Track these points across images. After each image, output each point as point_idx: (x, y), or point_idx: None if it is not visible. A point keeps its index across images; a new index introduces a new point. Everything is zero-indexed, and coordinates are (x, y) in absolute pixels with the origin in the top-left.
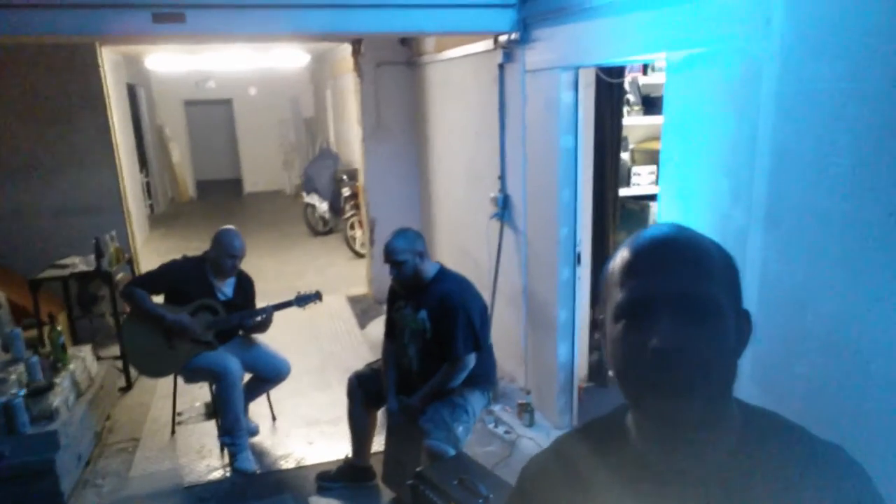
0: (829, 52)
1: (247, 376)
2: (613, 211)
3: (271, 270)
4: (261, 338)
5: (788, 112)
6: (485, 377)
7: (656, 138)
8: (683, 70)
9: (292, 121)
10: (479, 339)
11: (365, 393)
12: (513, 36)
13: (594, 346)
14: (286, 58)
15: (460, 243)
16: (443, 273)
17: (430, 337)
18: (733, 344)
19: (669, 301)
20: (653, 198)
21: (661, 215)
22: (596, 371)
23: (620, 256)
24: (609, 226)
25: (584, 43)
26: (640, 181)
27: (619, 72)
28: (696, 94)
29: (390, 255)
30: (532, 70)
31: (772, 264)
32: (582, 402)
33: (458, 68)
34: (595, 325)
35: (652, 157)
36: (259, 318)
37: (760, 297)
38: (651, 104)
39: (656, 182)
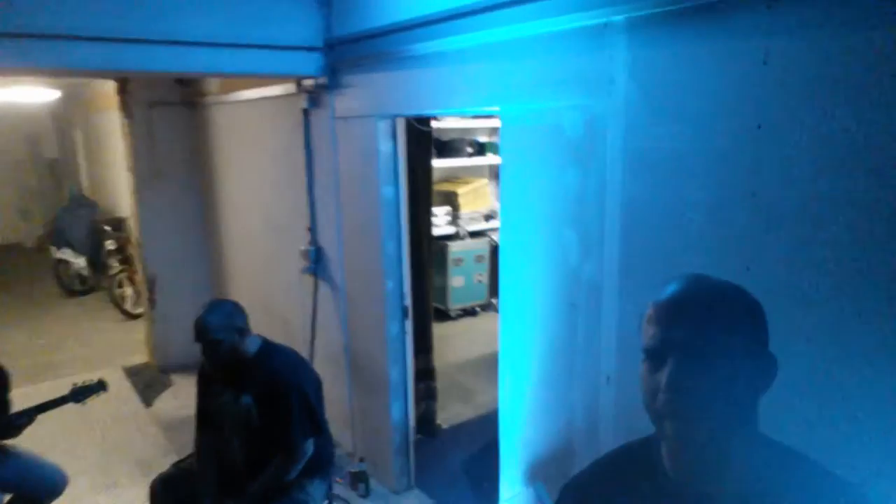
0: (674, 113)
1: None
2: (429, 256)
3: (19, 345)
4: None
5: (637, 168)
6: (325, 461)
7: (447, 180)
8: (520, 123)
9: (31, 163)
10: (317, 422)
11: (175, 501)
12: (320, 81)
13: (420, 397)
14: (28, 93)
15: (264, 301)
16: (267, 348)
17: (257, 425)
18: (741, 386)
19: (678, 349)
20: (449, 238)
21: (503, 268)
22: (423, 422)
23: (652, 306)
24: (427, 271)
25: (406, 92)
26: (438, 222)
27: (428, 117)
28: (536, 147)
29: (204, 334)
30: (344, 117)
31: (630, 316)
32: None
33: (253, 111)
34: (420, 375)
35: (445, 199)
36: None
37: (619, 347)
38: (442, 148)
39: (452, 222)
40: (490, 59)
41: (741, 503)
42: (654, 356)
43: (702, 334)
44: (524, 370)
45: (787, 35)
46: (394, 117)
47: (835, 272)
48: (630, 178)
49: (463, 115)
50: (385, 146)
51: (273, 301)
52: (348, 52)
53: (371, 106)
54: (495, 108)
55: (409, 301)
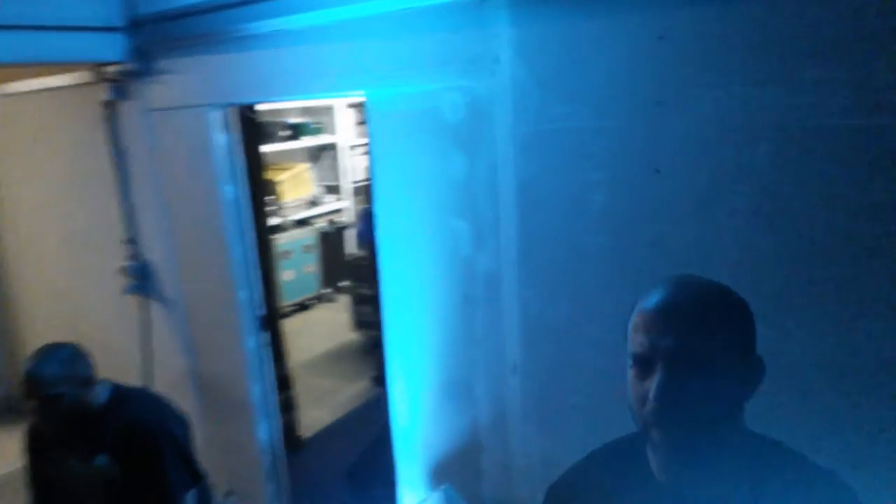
0: (569, 92)
1: None
2: (271, 254)
3: None
4: None
5: (531, 151)
6: None
7: (263, 168)
8: (391, 108)
9: None
10: (194, 469)
11: None
12: (126, 67)
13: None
14: None
15: (73, 330)
16: (119, 393)
17: (120, 490)
18: (729, 391)
19: (665, 359)
20: (274, 229)
21: (383, 265)
22: (285, 437)
23: (638, 312)
24: (270, 269)
25: (246, 77)
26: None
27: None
28: (412, 133)
29: (38, 389)
30: (163, 108)
31: (532, 303)
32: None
33: (31, 106)
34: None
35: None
36: None
37: (523, 335)
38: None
39: (275, 213)
40: (353, 37)
41: (730, 498)
42: (643, 364)
43: (691, 342)
44: (418, 369)
45: (682, 8)
46: (229, 106)
47: (741, 241)
48: (523, 161)
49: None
50: (220, 139)
51: (85, 330)
52: (162, 33)
53: (200, 94)
54: (359, 93)
55: (264, 309)
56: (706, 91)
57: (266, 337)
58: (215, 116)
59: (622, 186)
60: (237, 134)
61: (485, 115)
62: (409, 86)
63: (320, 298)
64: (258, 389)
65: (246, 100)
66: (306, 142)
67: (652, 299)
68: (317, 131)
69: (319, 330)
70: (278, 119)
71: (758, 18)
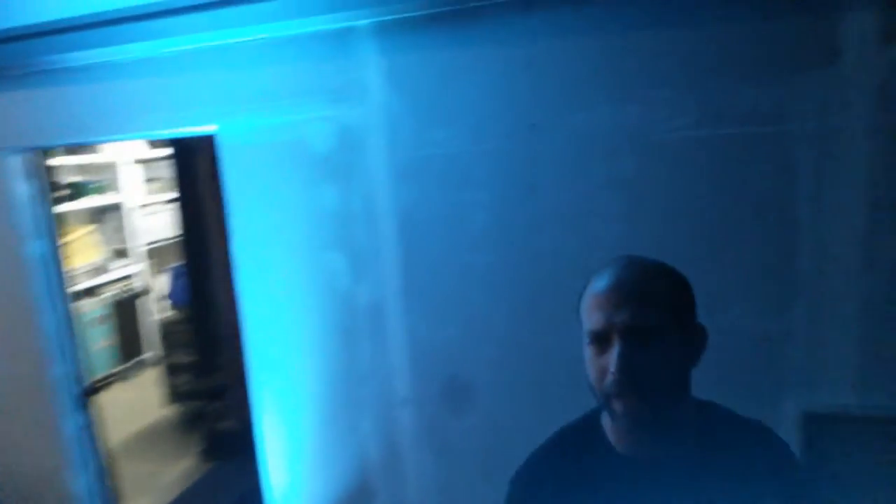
0: (445, 118)
1: None
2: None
3: None
4: None
5: (409, 177)
6: None
7: None
8: (250, 142)
9: None
10: None
11: None
12: None
13: None
14: None
15: None
16: None
17: None
18: (680, 357)
19: (621, 333)
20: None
21: (246, 310)
22: None
23: (589, 291)
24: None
25: (56, 116)
26: None
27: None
28: (275, 167)
29: None
30: None
31: (420, 329)
32: None
33: None
34: None
35: None
36: None
37: (413, 364)
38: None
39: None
40: (201, 68)
41: (683, 464)
42: (600, 340)
43: (643, 314)
44: (295, 418)
45: (549, 38)
46: (34, 150)
47: (617, 247)
48: (402, 187)
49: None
50: (22, 189)
51: None
52: None
53: None
54: (212, 128)
55: (82, 385)
56: (574, 113)
57: (87, 417)
58: (13, 162)
59: (503, 205)
60: (44, 182)
61: (357, 144)
62: (271, 117)
63: (119, 375)
64: (83, 481)
65: (57, 142)
66: (88, 202)
67: (603, 280)
68: (98, 190)
69: (123, 410)
70: (52, 178)
71: (614, 48)
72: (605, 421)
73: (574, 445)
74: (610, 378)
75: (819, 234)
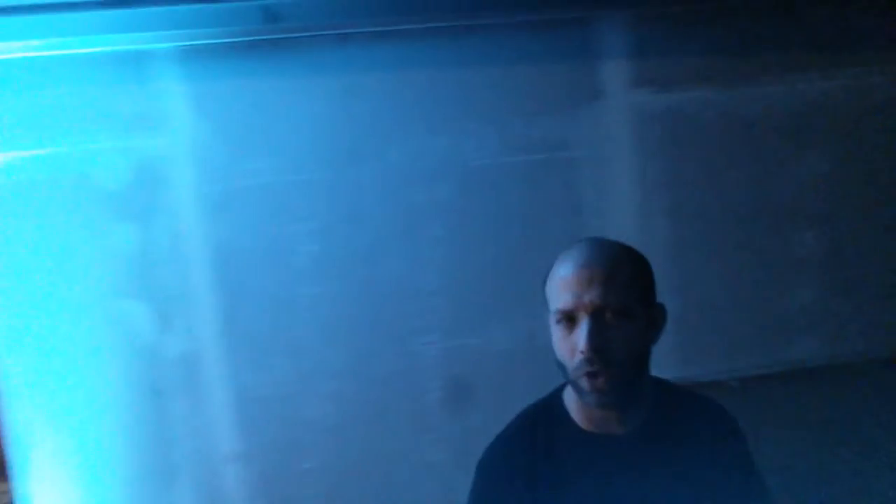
0: (262, 147)
1: None
2: None
3: None
4: None
5: (224, 211)
6: None
7: None
8: (13, 179)
9: None
10: None
11: None
12: None
13: None
14: None
15: None
16: None
17: None
18: (644, 335)
19: (589, 311)
20: None
21: (6, 380)
22: None
23: (557, 271)
24: None
25: None
26: None
27: None
28: (51, 208)
29: None
30: None
31: (245, 375)
32: None
33: None
34: None
35: None
36: None
37: (239, 414)
38: None
39: None
40: None
41: (644, 439)
42: (569, 318)
43: (611, 294)
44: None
45: (365, 70)
46: None
47: (442, 267)
48: (215, 223)
49: None
50: None
51: None
52: None
53: None
54: None
55: None
56: (394, 142)
57: None
58: None
59: (330, 235)
60: None
61: (158, 177)
62: (49, 148)
63: None
64: None
65: None
66: None
67: (571, 261)
68: None
69: None
70: None
71: (426, 82)
72: (569, 400)
73: (538, 425)
74: (579, 356)
75: None
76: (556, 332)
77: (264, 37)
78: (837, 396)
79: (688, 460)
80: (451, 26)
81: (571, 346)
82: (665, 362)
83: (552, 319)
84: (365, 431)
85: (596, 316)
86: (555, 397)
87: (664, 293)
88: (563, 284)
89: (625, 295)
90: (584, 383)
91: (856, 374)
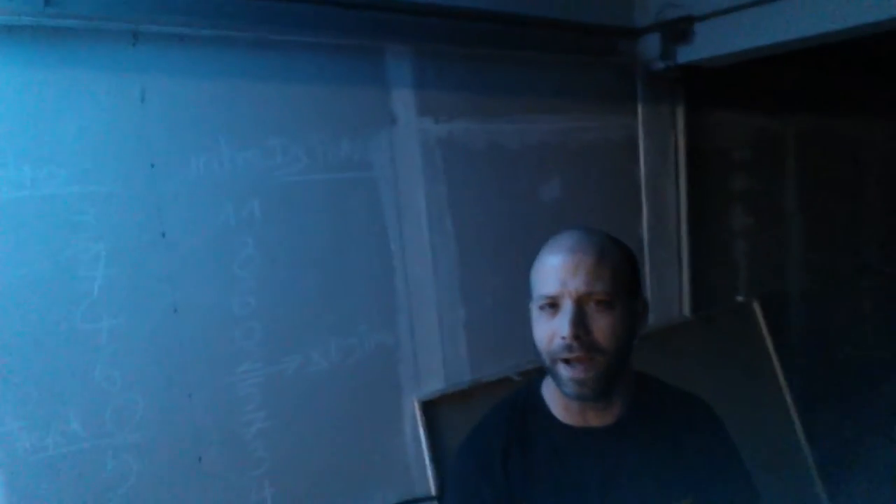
0: (39, 153)
1: None
2: None
3: None
4: None
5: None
6: None
7: None
8: None
9: None
10: None
11: None
12: None
13: None
14: None
15: None
16: None
17: None
18: (626, 326)
19: (574, 298)
20: None
21: None
22: None
23: (543, 258)
24: None
25: None
26: None
27: None
28: None
29: None
30: None
31: (20, 441)
32: None
33: None
34: None
35: None
36: None
37: (8, 489)
38: None
39: None
40: None
41: (621, 432)
42: (552, 304)
43: (597, 282)
44: None
45: (161, 74)
46: None
47: (257, 287)
48: None
49: None
50: None
51: None
52: None
53: None
54: None
55: None
56: (198, 153)
57: None
58: None
59: (127, 256)
60: None
61: None
62: None
63: None
64: None
65: None
66: None
67: (558, 248)
68: None
69: None
70: None
71: (230, 93)
72: (546, 391)
73: (515, 416)
74: (559, 342)
75: (404, 258)
76: (539, 318)
77: (25, 21)
78: None
79: (667, 454)
80: (247, 38)
81: (552, 331)
82: (460, 365)
83: (535, 305)
84: (178, 481)
85: (580, 303)
86: (533, 389)
87: (456, 304)
88: (549, 271)
89: (610, 284)
90: (563, 371)
91: None
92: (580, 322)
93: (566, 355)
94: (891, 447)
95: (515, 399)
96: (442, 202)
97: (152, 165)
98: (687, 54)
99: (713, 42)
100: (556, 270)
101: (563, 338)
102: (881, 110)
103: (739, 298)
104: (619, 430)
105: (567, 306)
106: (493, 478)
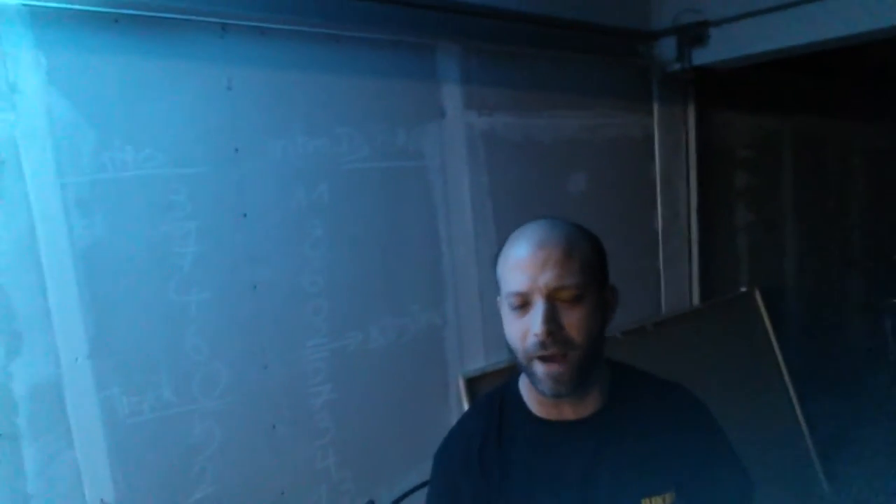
0: (138, 135)
1: None
2: None
3: None
4: None
5: (92, 206)
6: None
7: None
8: None
9: None
10: None
11: None
12: None
13: None
14: None
15: None
16: None
17: None
18: (597, 318)
19: (544, 294)
20: None
21: None
22: None
23: (510, 252)
24: None
25: None
26: None
27: None
28: None
29: None
30: None
31: (119, 402)
32: None
33: None
34: None
35: None
36: None
37: (114, 452)
38: None
39: None
40: None
41: (598, 426)
42: (521, 302)
43: (567, 275)
44: None
45: (246, 64)
46: None
47: (325, 266)
48: (82, 219)
49: None
50: None
51: None
52: None
53: None
54: None
55: None
56: (276, 139)
57: None
58: None
59: (214, 235)
60: None
61: (6, 161)
62: None
63: None
64: None
65: None
66: None
67: (525, 242)
68: None
69: None
70: None
71: (305, 84)
72: (523, 388)
73: (493, 413)
74: (532, 339)
75: (451, 242)
76: (509, 316)
77: (129, 11)
78: None
79: (647, 445)
80: (319, 33)
81: (524, 329)
82: (499, 345)
83: (504, 302)
84: (255, 447)
85: (550, 298)
86: (511, 385)
87: (487, 289)
88: (517, 266)
89: (580, 277)
90: (538, 369)
91: None
92: (552, 318)
93: (540, 352)
94: (887, 426)
95: (493, 396)
96: (483, 190)
97: (236, 150)
98: (702, 57)
99: (727, 46)
100: (524, 265)
101: (536, 335)
102: (868, 114)
103: (743, 289)
104: (596, 422)
105: (538, 303)
106: (471, 476)
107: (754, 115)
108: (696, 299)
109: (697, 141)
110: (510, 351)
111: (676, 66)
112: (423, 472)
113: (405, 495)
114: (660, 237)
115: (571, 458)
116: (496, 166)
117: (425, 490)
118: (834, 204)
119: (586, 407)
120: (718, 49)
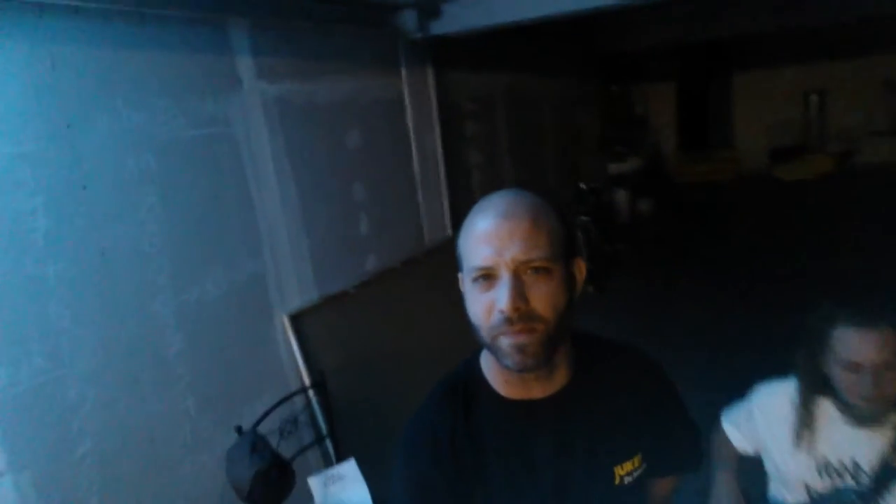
0: None
1: None
2: None
3: None
4: None
5: None
6: None
7: None
8: None
9: None
10: None
11: None
12: None
13: None
14: None
15: None
16: None
17: None
18: (564, 291)
19: (510, 269)
20: None
21: None
22: None
23: (473, 225)
24: None
25: None
26: None
27: None
28: None
29: None
30: None
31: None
32: None
33: None
34: None
35: None
36: None
37: None
38: None
39: None
40: None
41: (564, 402)
42: (485, 276)
43: (533, 248)
44: None
45: (65, 43)
46: None
47: (160, 231)
48: None
49: None
50: None
51: None
52: None
53: None
54: None
55: None
56: (102, 114)
57: None
58: None
59: (60, 207)
60: None
61: None
62: None
63: None
64: None
65: None
66: None
67: (489, 215)
68: None
69: None
70: None
71: (121, 60)
72: (487, 369)
73: (458, 396)
74: (497, 316)
75: (261, 198)
76: (472, 291)
77: None
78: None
79: (613, 416)
80: (124, 11)
81: (489, 304)
82: (309, 284)
83: (466, 277)
84: (123, 401)
85: (517, 272)
86: (472, 365)
87: (301, 234)
88: (481, 238)
89: (547, 249)
90: (504, 345)
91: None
92: (519, 293)
93: (506, 329)
94: None
95: (454, 382)
96: (281, 150)
97: (69, 126)
98: (438, 27)
99: (456, 20)
100: (488, 238)
101: (502, 311)
102: (557, 71)
103: None
104: (564, 398)
105: (504, 277)
106: (443, 468)
107: (477, 75)
108: (449, 229)
109: (437, 99)
110: (473, 329)
111: (418, 35)
112: (267, 399)
113: (262, 418)
114: (418, 179)
115: (544, 437)
116: (289, 128)
117: (278, 410)
118: (532, 144)
119: (553, 384)
120: (451, 22)
